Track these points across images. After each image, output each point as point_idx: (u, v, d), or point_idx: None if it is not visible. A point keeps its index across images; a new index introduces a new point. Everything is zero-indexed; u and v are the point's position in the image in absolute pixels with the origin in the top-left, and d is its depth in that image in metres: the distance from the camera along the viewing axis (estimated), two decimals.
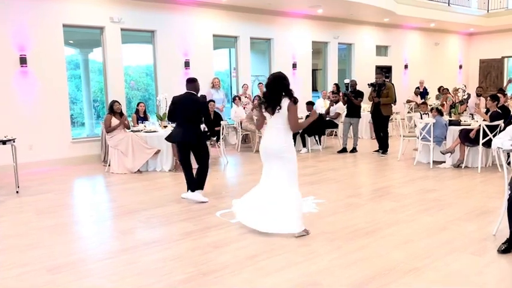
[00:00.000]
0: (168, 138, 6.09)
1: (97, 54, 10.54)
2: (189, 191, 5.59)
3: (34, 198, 5.99)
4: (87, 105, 11.64)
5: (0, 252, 4.07)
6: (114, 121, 7.64)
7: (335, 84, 12.13)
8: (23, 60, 7.77)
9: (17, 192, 6.24)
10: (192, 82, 5.66)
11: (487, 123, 7.11)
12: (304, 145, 9.43)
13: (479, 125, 7.05)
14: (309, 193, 5.88)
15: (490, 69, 17.04)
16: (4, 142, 6.09)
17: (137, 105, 8.86)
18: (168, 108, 6.12)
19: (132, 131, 7.79)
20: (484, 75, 17.20)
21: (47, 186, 6.65)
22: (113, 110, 7.72)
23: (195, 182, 5.58)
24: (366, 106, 11.14)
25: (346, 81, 9.99)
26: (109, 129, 7.57)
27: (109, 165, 7.67)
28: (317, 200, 5.58)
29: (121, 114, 7.80)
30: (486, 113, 7.64)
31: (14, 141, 6.22)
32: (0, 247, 4.21)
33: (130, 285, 3.33)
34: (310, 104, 9.52)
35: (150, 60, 9.85)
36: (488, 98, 7.66)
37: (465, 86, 12.10)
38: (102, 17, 8.72)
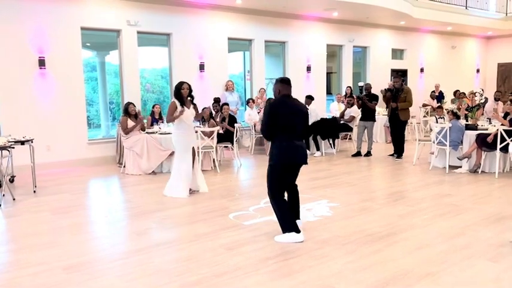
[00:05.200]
0: (285, 159, 4.18)
1: (113, 57, 10.68)
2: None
3: (51, 198, 6.08)
4: (103, 107, 11.79)
5: (17, 251, 4.15)
6: (130, 123, 7.72)
7: (348, 87, 12.08)
8: (41, 63, 7.92)
9: (34, 192, 6.35)
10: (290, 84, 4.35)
11: (505, 127, 6.99)
12: (318, 148, 9.39)
13: (497, 130, 6.93)
14: (323, 196, 5.86)
15: (509, 73, 16.76)
16: (23, 142, 6.21)
17: (152, 107, 8.95)
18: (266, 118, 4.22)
19: (147, 132, 7.86)
20: (503, 79, 16.92)
21: (63, 187, 6.75)
22: (128, 112, 7.81)
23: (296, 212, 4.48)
24: (380, 110, 11.05)
25: (360, 84, 9.93)
26: (126, 130, 7.65)
27: (124, 167, 7.75)
28: (331, 203, 5.55)
29: (136, 115, 7.88)
30: (504, 117, 7.51)
31: (32, 142, 6.34)
32: (16, 246, 4.29)
33: (143, 285, 3.35)
34: (309, 98, 9.47)
35: (165, 63, 9.95)
36: (509, 102, 7.54)
37: (482, 90, 11.93)
38: (119, 20, 8.83)
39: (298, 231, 4.18)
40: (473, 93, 11.54)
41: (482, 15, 14.63)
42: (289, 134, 4.13)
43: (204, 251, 4.01)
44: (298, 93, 10.90)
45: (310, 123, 9.35)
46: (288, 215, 4.21)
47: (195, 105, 6.10)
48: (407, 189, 6.47)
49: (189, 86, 5.98)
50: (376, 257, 3.83)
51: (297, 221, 4.41)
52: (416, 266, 3.60)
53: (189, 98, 5.97)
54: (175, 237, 4.43)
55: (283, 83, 4.27)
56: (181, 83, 5.96)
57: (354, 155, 9.24)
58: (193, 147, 6.16)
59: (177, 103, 5.87)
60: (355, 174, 7.49)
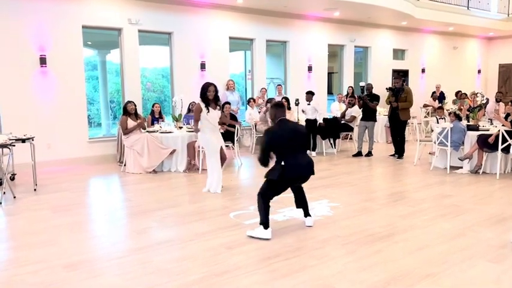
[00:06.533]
0: (293, 173, 4.34)
1: (114, 56, 10.69)
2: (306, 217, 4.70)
3: (51, 196, 6.07)
4: (104, 105, 11.80)
5: (16, 249, 4.15)
6: (130, 122, 7.71)
7: (350, 87, 12.05)
8: (42, 61, 7.91)
9: (35, 190, 6.35)
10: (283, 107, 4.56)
11: (507, 128, 6.98)
12: (314, 149, 9.30)
13: (498, 130, 6.92)
14: (323, 196, 5.85)
15: (510, 74, 16.73)
16: (23, 140, 6.20)
17: (152, 106, 8.95)
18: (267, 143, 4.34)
19: (147, 131, 7.86)
20: (504, 80, 16.90)
21: (63, 185, 6.74)
22: (127, 111, 7.79)
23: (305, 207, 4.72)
24: (381, 110, 11.04)
25: (362, 84, 9.89)
26: (126, 131, 7.64)
27: (125, 165, 7.74)
28: (331, 203, 5.54)
29: (136, 114, 7.87)
30: (506, 118, 7.50)
31: (32, 140, 6.34)
32: (16, 244, 4.29)
33: (143, 284, 3.35)
34: (309, 94, 9.41)
35: (166, 62, 9.94)
36: (510, 103, 7.52)
37: (482, 90, 11.92)
38: (120, 18, 8.83)
39: (267, 227, 4.30)
40: (475, 94, 11.54)
41: (484, 15, 14.61)
42: (291, 152, 4.29)
43: (204, 250, 4.00)
44: (299, 93, 10.94)
45: (305, 119, 9.30)
46: (268, 211, 4.32)
47: (219, 106, 6.17)
48: (408, 189, 6.46)
49: (215, 88, 5.92)
50: (376, 257, 3.82)
51: (308, 218, 4.67)
52: (416, 267, 3.59)
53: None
54: (175, 236, 4.42)
55: (278, 107, 4.44)
56: (207, 85, 5.90)
57: (355, 155, 9.22)
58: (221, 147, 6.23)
59: (202, 105, 5.87)
60: (355, 174, 7.48)
